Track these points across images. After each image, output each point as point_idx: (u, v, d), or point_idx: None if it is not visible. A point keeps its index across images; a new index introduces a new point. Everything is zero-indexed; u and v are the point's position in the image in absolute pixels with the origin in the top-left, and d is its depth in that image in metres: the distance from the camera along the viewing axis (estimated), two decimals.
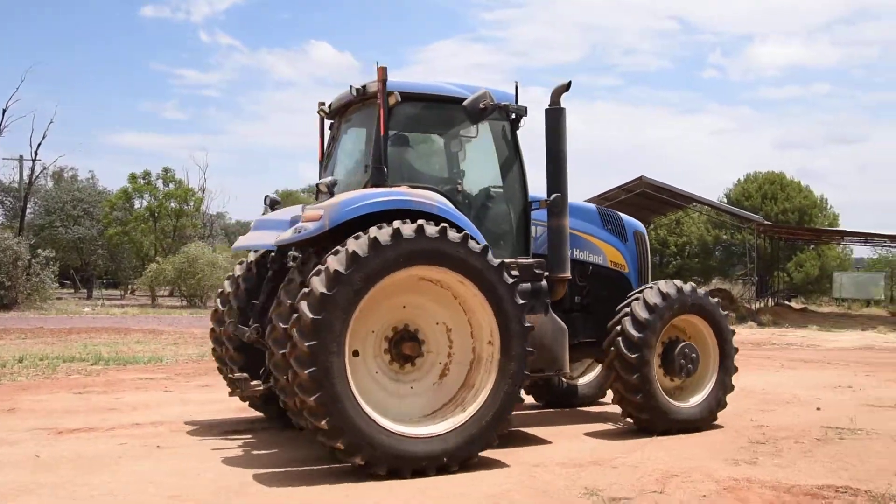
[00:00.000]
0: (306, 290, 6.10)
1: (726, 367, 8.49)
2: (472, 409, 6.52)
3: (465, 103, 7.21)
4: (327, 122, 8.35)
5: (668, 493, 5.71)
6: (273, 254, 7.76)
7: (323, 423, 5.96)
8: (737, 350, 8.65)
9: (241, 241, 8.23)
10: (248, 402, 8.52)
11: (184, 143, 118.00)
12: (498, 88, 7.53)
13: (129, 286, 54.66)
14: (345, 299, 6.04)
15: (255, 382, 7.13)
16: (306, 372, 5.90)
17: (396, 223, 6.28)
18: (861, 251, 52.73)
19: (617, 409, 8.36)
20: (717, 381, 8.43)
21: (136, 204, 50.67)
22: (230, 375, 7.59)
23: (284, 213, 7.96)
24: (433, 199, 6.81)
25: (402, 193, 6.71)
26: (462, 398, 6.67)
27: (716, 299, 8.60)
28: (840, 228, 45.08)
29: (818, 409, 9.67)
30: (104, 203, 51.18)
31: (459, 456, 6.40)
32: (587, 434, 8.04)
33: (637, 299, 8.11)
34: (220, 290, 8.49)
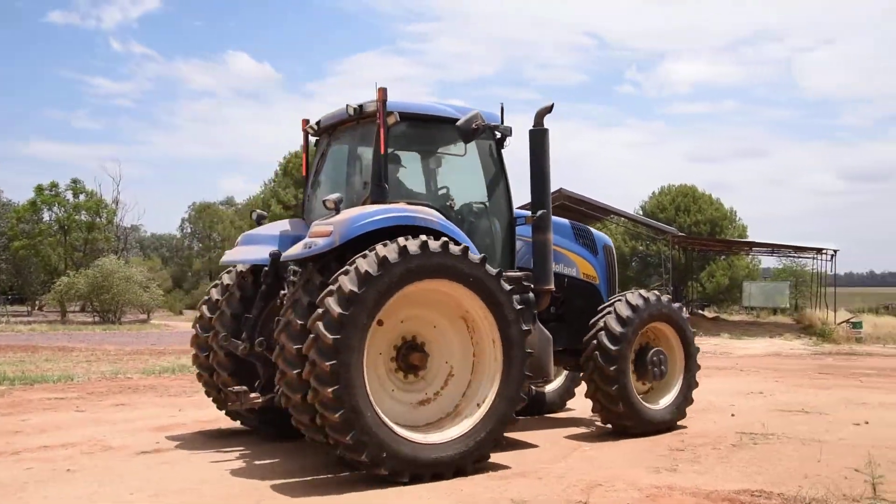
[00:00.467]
0: (321, 310, 6.22)
1: (690, 368, 9.08)
2: (478, 415, 6.87)
3: (458, 123, 7.47)
4: (311, 139, 8.52)
5: (592, 503, 5.76)
6: (266, 268, 7.80)
7: (347, 438, 6.16)
8: (698, 350, 9.23)
9: (230, 256, 8.24)
10: (235, 417, 8.62)
11: (96, 153, 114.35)
12: (485, 110, 7.80)
13: (37, 302, 52.33)
14: (361, 317, 6.26)
15: (253, 395, 7.30)
16: (329, 390, 6.07)
17: (401, 240, 6.53)
18: (768, 261, 54.91)
19: (575, 414, 8.41)
20: (684, 381, 9.02)
21: (46, 216, 48.70)
22: (231, 389, 7.51)
23: (272, 228, 8.20)
24: (433, 216, 7.11)
25: (406, 210, 6.98)
26: (428, 429, 6.87)
27: (678, 304, 9.11)
28: (748, 240, 46.84)
29: (732, 415, 9.98)
30: (10, 215, 48.95)
31: (472, 457, 6.74)
32: (512, 445, 8.05)
33: (609, 313, 8.50)
34: (198, 315, 8.53)
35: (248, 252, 8.02)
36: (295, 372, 6.32)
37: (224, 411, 8.69)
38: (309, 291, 6.62)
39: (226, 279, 8.47)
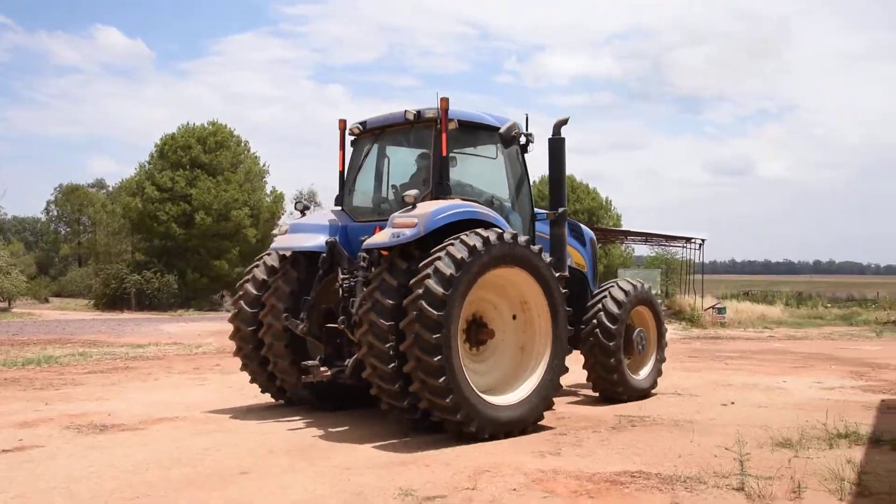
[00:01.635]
0: (420, 290, 7.19)
1: (661, 345, 10.80)
2: (534, 381, 8.04)
3: (501, 130, 8.77)
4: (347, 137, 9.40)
5: (480, 489, 5.80)
6: (323, 255, 8.63)
7: (447, 400, 7.20)
8: (666, 330, 10.90)
9: (283, 243, 9.00)
10: (279, 395, 9.47)
11: None
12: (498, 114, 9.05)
13: None
14: (458, 296, 7.34)
15: (323, 369, 8.17)
16: (435, 359, 7.10)
17: (483, 232, 7.64)
18: (641, 249, 57.16)
19: None
20: (657, 356, 10.71)
21: None
22: (305, 364, 8.34)
23: (317, 218, 9.19)
24: (489, 211, 8.26)
25: (471, 206, 8.07)
26: (491, 394, 7.88)
27: (655, 291, 10.81)
28: (624, 228, 48.64)
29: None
30: None
31: (532, 419, 7.96)
32: (399, 433, 8.01)
33: (606, 297, 9.87)
34: (236, 311, 9.24)
35: (301, 240, 8.81)
36: (387, 345, 7.28)
37: (269, 394, 9.58)
38: (396, 274, 7.52)
39: (258, 273, 9.19)
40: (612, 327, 9.66)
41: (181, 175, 40.54)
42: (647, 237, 39.58)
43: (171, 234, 40.10)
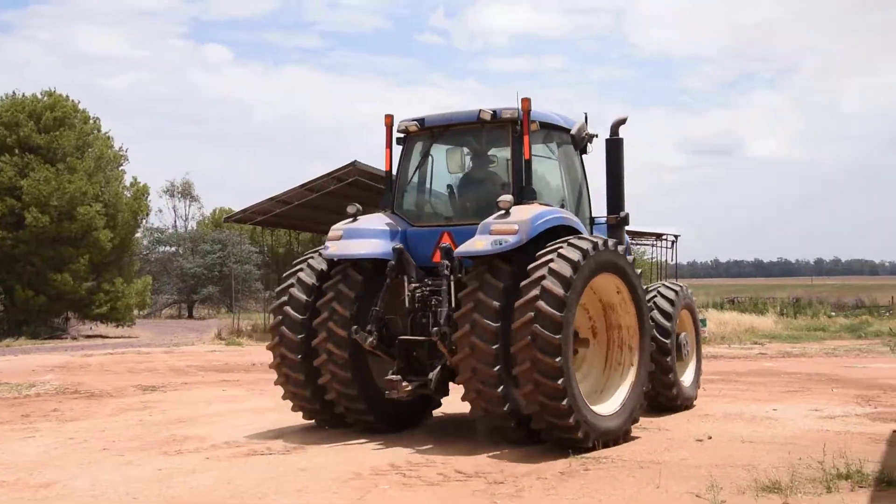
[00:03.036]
0: (531, 313, 8.72)
1: (700, 349, 13.00)
2: (623, 393, 9.92)
3: (572, 131, 10.70)
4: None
5: None
6: (392, 263, 9.99)
7: (571, 420, 8.81)
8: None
9: (341, 250, 10.21)
10: (324, 422, 10.71)
11: None
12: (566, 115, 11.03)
13: None
14: (570, 315, 8.92)
15: (405, 384, 9.56)
16: (558, 382, 8.69)
17: (592, 238, 9.44)
18: None
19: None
20: (697, 363, 12.90)
21: None
22: (388, 377, 9.66)
23: (371, 223, 10.50)
24: (574, 217, 10.14)
25: (561, 212, 10.00)
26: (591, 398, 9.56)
27: (692, 294, 12.89)
28: None
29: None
30: None
31: (623, 430, 9.73)
32: (296, 486, 7.91)
33: (656, 296, 11.81)
34: (285, 297, 10.40)
35: (362, 246, 10.10)
36: (496, 369, 8.93)
37: (313, 420, 10.84)
38: (500, 276, 9.16)
39: (298, 294, 10.28)
40: (668, 324, 11.60)
41: (6, 162, 39.31)
42: (631, 236, 40.22)
43: None
